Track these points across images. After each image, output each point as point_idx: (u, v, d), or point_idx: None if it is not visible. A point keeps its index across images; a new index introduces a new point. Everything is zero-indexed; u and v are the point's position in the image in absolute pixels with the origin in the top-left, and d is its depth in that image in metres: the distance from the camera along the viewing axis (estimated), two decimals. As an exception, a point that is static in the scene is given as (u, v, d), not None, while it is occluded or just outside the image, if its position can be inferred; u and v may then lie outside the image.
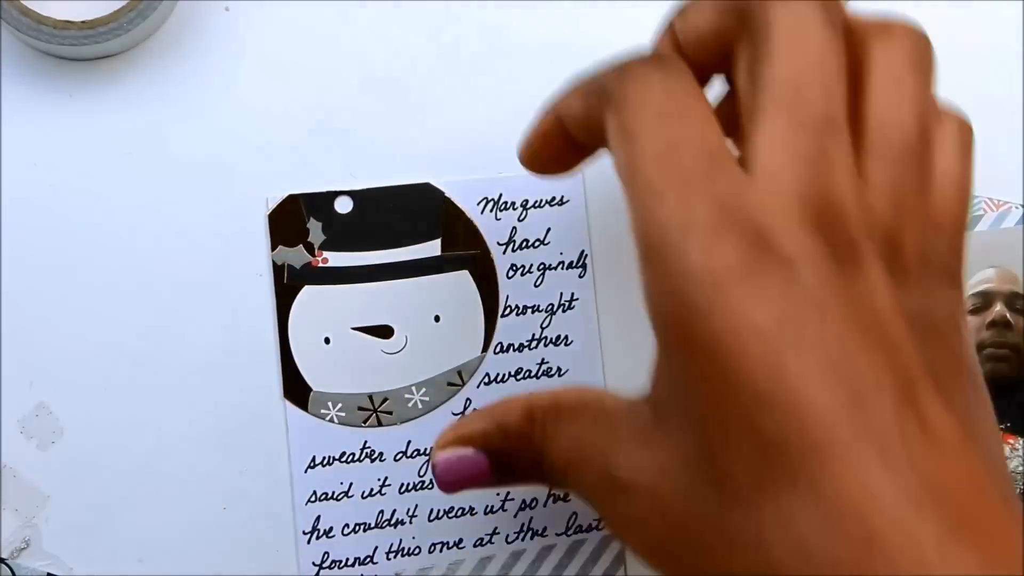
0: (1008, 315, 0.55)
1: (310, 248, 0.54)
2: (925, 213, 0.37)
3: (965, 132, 0.40)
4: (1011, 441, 0.55)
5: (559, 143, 0.43)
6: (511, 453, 0.42)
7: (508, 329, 0.55)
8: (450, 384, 0.54)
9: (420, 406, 0.54)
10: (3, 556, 0.51)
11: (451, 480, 0.43)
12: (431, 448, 0.48)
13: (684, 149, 0.33)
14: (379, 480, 0.54)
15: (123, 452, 0.52)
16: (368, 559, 0.53)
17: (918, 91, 0.38)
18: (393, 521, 0.54)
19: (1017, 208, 0.56)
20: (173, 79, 0.54)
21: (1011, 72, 0.57)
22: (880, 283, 0.33)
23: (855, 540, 0.29)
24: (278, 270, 0.54)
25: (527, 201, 0.55)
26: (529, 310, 0.55)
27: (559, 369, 0.55)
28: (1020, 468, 0.54)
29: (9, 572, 0.51)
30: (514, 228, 0.55)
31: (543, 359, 0.55)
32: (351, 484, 0.53)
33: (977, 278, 0.56)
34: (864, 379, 0.31)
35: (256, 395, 0.53)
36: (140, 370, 0.53)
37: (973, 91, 0.57)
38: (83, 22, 0.51)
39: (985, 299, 0.56)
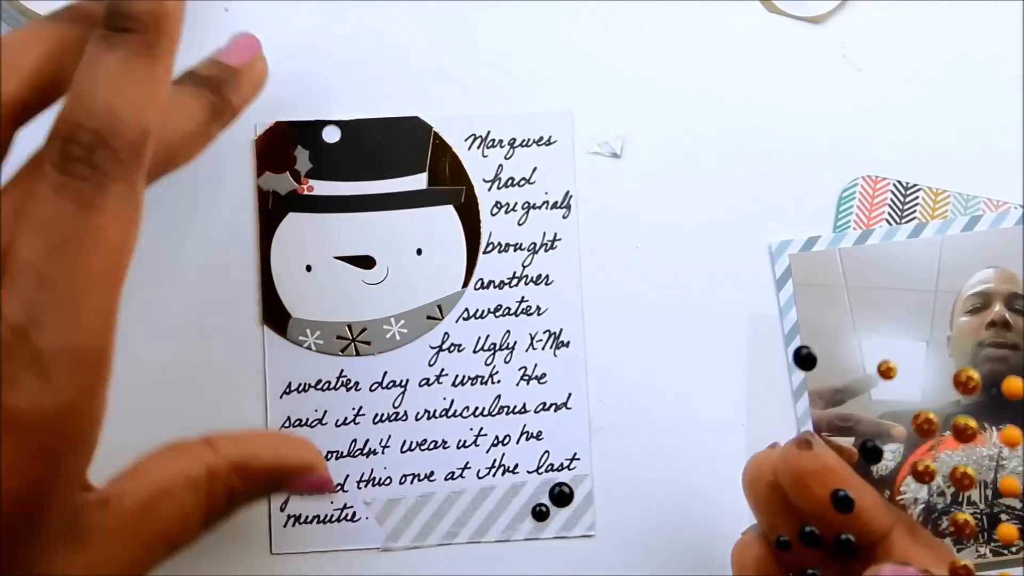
0: (1007, 315, 0.55)
1: (296, 176, 0.54)
2: None
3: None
4: (1010, 441, 0.55)
5: None
6: None
7: (489, 266, 0.55)
8: (429, 317, 0.55)
9: (398, 338, 0.55)
10: None
11: None
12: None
13: None
14: (354, 409, 0.54)
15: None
16: (339, 487, 0.54)
17: None
18: (366, 450, 0.54)
19: (1016, 208, 0.56)
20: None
21: (1011, 72, 0.57)
22: None
23: None
24: (263, 196, 0.54)
25: (514, 139, 0.55)
26: (511, 248, 0.55)
27: (538, 308, 0.55)
28: (1020, 468, 0.55)
29: None
30: (500, 166, 0.55)
31: (523, 297, 0.55)
32: (325, 412, 0.54)
33: (976, 278, 0.56)
34: None
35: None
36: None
37: (973, 91, 0.56)
38: None
39: (984, 299, 0.56)
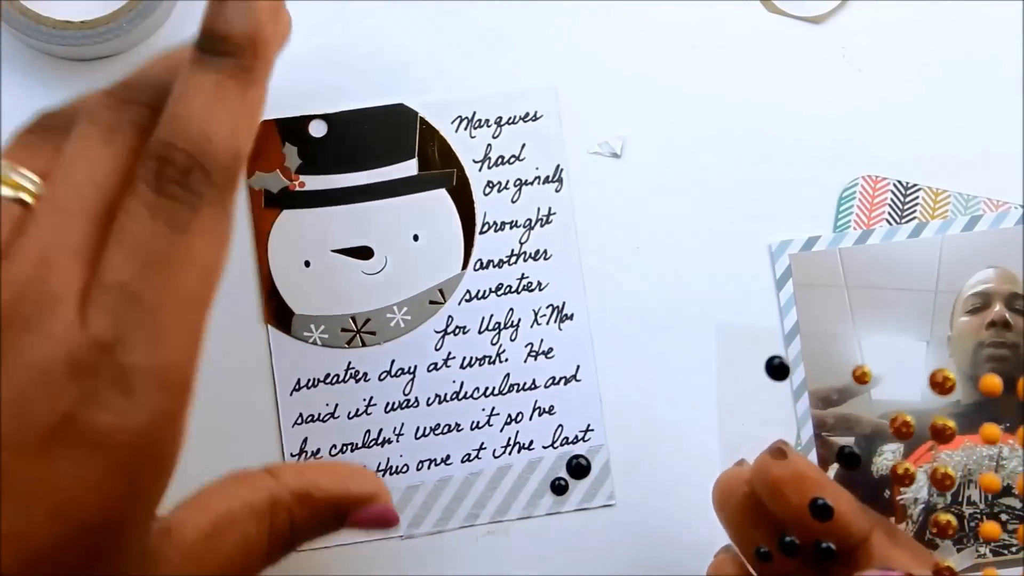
0: (1008, 315, 0.56)
1: (286, 172, 0.54)
2: None
3: None
4: (1011, 441, 0.55)
5: None
6: None
7: (487, 245, 0.55)
8: (432, 302, 0.55)
9: (403, 325, 0.55)
10: None
11: None
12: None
13: None
14: (364, 400, 0.54)
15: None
16: (363, 482, 0.54)
17: None
18: (380, 440, 0.54)
19: (1016, 208, 0.56)
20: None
21: (1011, 72, 0.57)
22: None
23: None
24: (255, 196, 0.54)
25: (500, 118, 0.56)
26: (507, 226, 0.55)
27: (539, 283, 0.55)
28: (1020, 468, 0.55)
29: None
30: (489, 145, 0.55)
31: (523, 274, 0.55)
32: (336, 405, 0.54)
33: (977, 278, 0.56)
34: None
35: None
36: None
37: (973, 91, 0.57)
38: (83, 22, 0.51)
39: (985, 299, 0.56)
